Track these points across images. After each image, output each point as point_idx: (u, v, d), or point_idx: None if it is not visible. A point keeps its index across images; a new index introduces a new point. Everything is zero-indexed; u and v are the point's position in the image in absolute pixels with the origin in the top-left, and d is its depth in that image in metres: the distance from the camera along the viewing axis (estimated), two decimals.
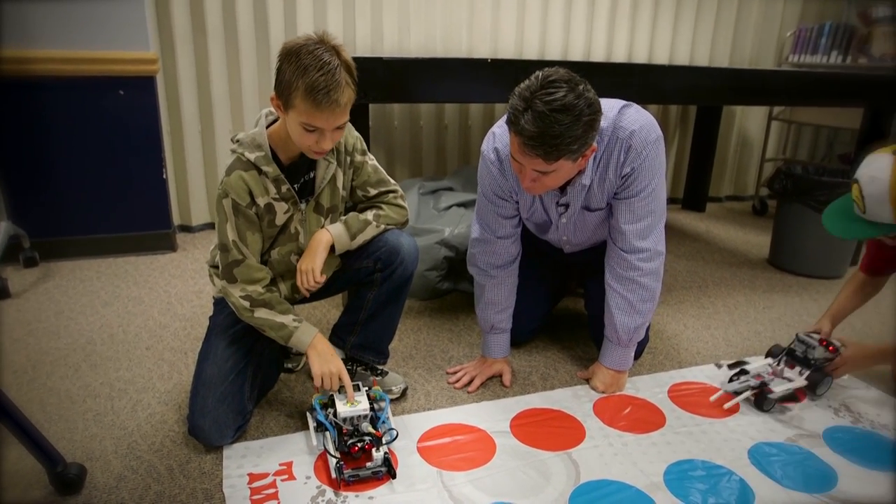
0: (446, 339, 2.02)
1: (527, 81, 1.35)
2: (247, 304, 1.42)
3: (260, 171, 1.39)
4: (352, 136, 1.53)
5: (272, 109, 1.41)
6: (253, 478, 1.34)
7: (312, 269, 1.47)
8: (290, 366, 1.79)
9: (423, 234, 2.26)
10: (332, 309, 2.21)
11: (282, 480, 1.33)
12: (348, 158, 1.52)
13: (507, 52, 3.22)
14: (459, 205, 2.45)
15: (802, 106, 3.61)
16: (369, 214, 1.55)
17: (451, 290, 2.33)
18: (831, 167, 3.09)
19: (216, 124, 2.90)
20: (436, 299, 2.33)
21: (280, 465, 1.38)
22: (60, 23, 2.39)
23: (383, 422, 1.42)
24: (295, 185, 1.45)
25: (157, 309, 2.18)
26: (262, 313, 1.43)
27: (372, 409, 1.42)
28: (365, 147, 1.56)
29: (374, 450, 1.34)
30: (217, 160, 2.95)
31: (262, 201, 1.41)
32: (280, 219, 1.45)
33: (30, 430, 1.24)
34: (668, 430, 1.55)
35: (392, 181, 1.61)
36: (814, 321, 1.86)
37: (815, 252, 2.65)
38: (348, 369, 1.68)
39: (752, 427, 1.57)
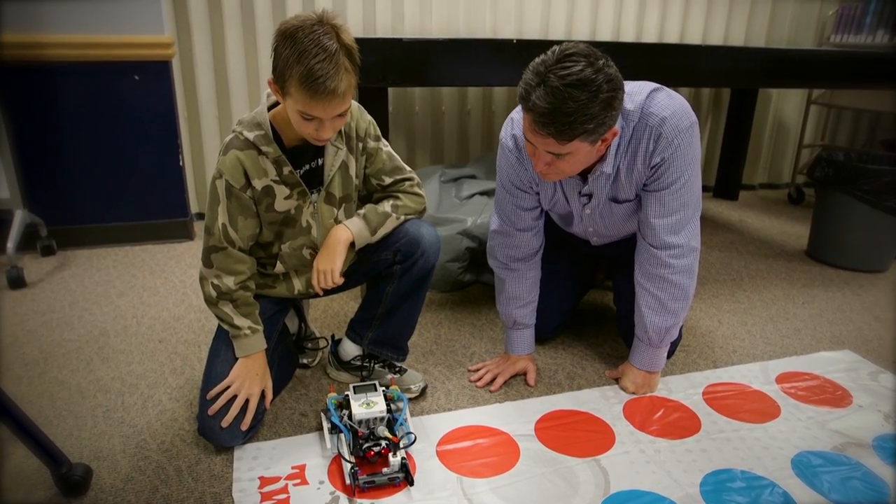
0: (468, 333, 1.94)
1: (542, 55, 1.25)
2: (214, 293, 1.36)
3: (259, 152, 1.30)
4: (364, 120, 1.43)
5: None
6: (264, 482, 1.28)
7: (332, 269, 1.40)
8: (305, 361, 1.73)
9: (445, 223, 2.17)
10: (349, 301, 2.14)
11: (294, 485, 1.27)
12: (360, 144, 1.43)
13: (533, 32, 3.10)
14: (482, 193, 2.36)
15: (844, 89, 3.43)
16: (387, 206, 1.46)
17: (474, 281, 2.25)
18: (874, 154, 2.92)
19: (233, 110, 2.83)
20: (457, 291, 2.25)
21: (292, 468, 1.32)
22: (74, 7, 2.33)
23: (401, 424, 1.35)
24: (299, 171, 1.36)
25: (171, 300, 2.13)
26: (224, 307, 1.38)
27: (389, 410, 1.35)
28: (378, 132, 1.47)
29: (390, 454, 1.26)
30: None
31: (259, 183, 1.32)
32: (281, 204, 1.36)
33: (33, 431, 1.19)
34: (704, 436, 1.46)
35: (407, 168, 1.52)
36: (857, 317, 1.74)
37: (858, 244, 2.51)
38: (365, 366, 1.62)
39: (794, 434, 1.47)
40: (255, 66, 2.81)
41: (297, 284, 1.49)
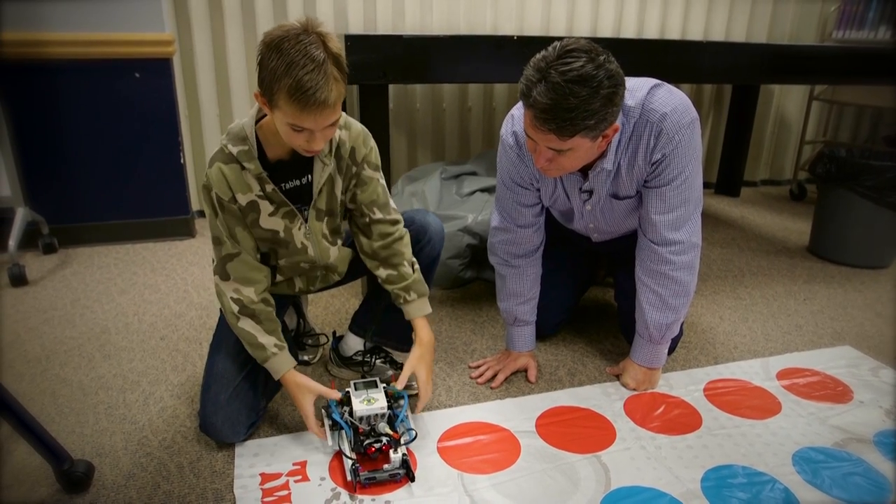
0: (469, 330, 1.94)
1: (543, 51, 1.24)
2: (235, 308, 1.32)
3: (243, 167, 1.27)
4: (366, 146, 1.38)
5: None
6: (265, 478, 1.28)
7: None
8: (305, 358, 1.73)
9: (446, 220, 2.17)
10: (350, 298, 2.14)
11: (295, 481, 1.27)
12: (353, 168, 1.38)
13: (534, 29, 3.10)
14: (483, 190, 2.35)
15: (847, 85, 3.42)
16: (407, 266, 1.45)
17: (474, 278, 2.25)
18: (876, 150, 2.92)
19: (234, 107, 2.83)
20: (458, 288, 2.25)
21: (294, 464, 1.32)
22: (74, 5, 2.33)
23: (402, 421, 1.35)
24: (284, 185, 1.32)
25: (173, 297, 2.13)
26: (246, 324, 1.33)
27: (390, 407, 1.35)
28: (379, 162, 1.43)
29: (391, 451, 1.27)
30: None
31: (243, 199, 1.29)
32: (266, 221, 1.32)
33: (35, 428, 1.20)
34: (705, 432, 1.46)
35: (393, 205, 1.47)
36: (859, 313, 1.74)
37: (859, 240, 2.50)
38: (366, 361, 1.63)
39: (795, 430, 1.47)
40: (255, 64, 2.80)
41: (298, 283, 1.49)
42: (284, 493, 1.24)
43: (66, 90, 2.43)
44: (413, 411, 1.45)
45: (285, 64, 1.10)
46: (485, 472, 1.31)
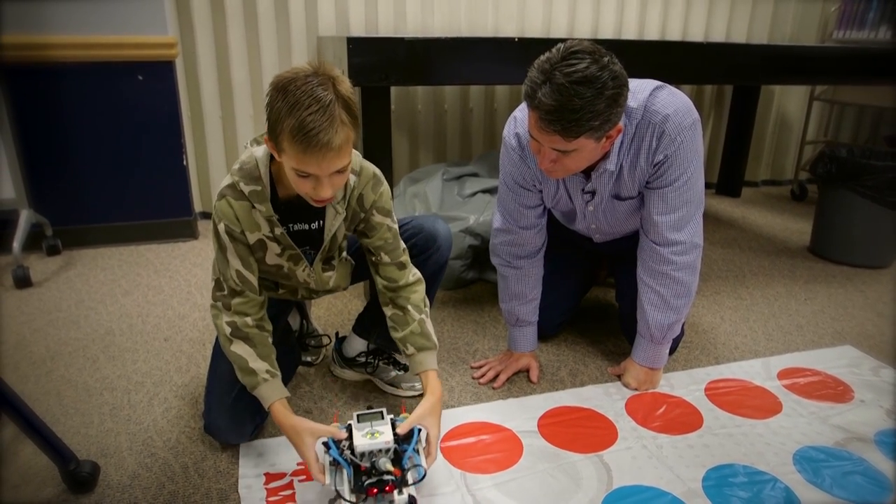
0: (471, 331, 1.95)
1: (547, 53, 1.25)
2: (228, 330, 1.28)
3: (254, 206, 1.24)
4: (374, 192, 1.33)
5: None
6: (269, 478, 1.29)
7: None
8: (308, 359, 1.74)
9: (448, 221, 2.17)
10: (353, 299, 2.15)
11: (299, 481, 1.28)
12: (361, 214, 1.35)
13: (535, 30, 3.11)
14: (485, 191, 2.37)
15: (847, 85, 3.43)
16: (416, 313, 1.39)
17: (476, 279, 2.26)
18: (877, 150, 2.92)
19: (237, 109, 2.84)
20: (460, 289, 2.26)
21: (298, 464, 1.33)
22: (77, 7, 2.34)
23: (409, 456, 1.18)
24: (291, 227, 1.31)
25: (176, 298, 2.15)
26: (238, 348, 1.28)
27: (396, 440, 1.18)
28: (390, 206, 1.38)
29: (396, 492, 1.12)
30: (238, 146, 2.90)
31: (251, 237, 1.26)
32: (272, 259, 1.32)
33: (41, 428, 1.21)
34: (706, 432, 1.46)
35: (403, 246, 1.41)
36: (860, 313, 1.74)
37: (860, 240, 2.51)
38: (369, 363, 1.63)
39: (796, 429, 1.48)
40: (257, 66, 2.82)
41: (301, 291, 1.50)
42: (289, 492, 1.25)
43: (69, 93, 2.44)
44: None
45: (289, 105, 1.05)
46: (487, 471, 1.32)
